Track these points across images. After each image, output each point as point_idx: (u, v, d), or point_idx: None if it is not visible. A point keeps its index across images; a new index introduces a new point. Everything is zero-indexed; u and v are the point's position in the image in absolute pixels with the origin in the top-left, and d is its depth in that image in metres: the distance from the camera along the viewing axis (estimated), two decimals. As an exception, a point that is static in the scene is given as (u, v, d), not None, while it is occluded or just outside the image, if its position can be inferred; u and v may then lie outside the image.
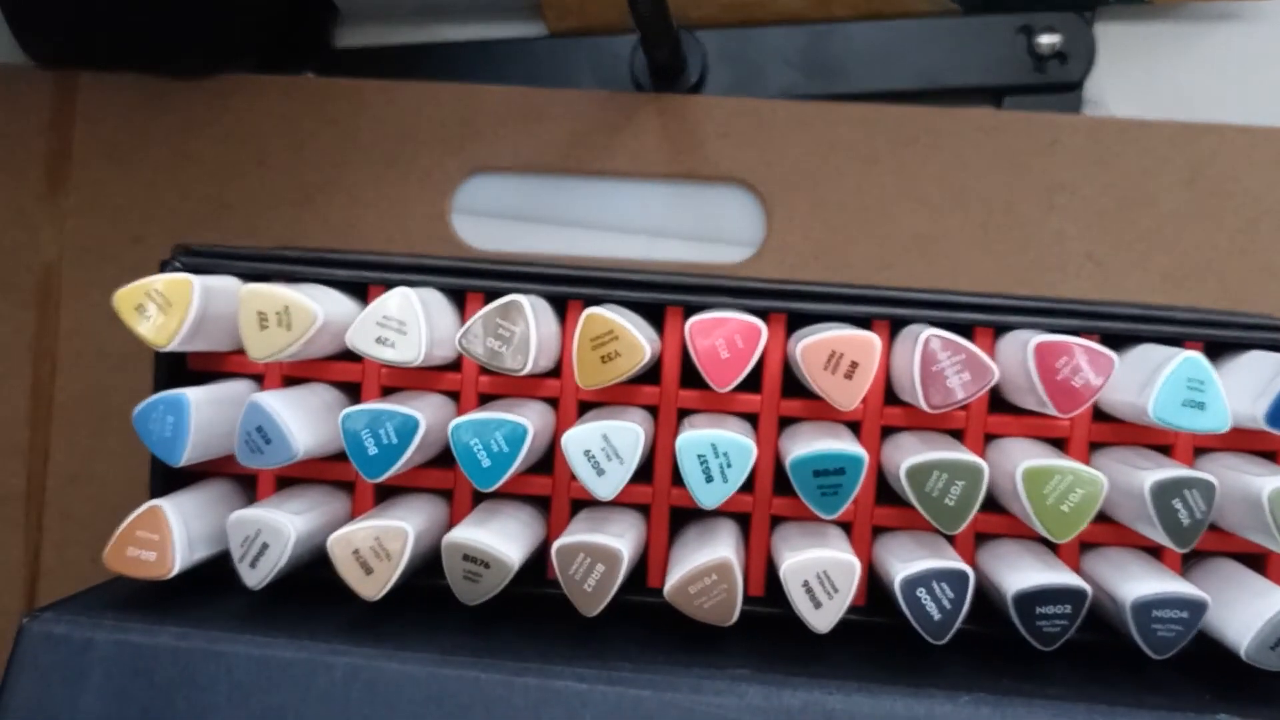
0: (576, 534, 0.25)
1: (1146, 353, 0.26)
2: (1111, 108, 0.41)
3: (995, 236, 0.38)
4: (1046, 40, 0.39)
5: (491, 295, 0.26)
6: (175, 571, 0.25)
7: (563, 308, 0.28)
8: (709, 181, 0.40)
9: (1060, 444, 0.27)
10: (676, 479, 0.27)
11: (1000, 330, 0.27)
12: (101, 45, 0.40)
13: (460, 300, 0.28)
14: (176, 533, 0.26)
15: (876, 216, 0.39)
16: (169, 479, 0.28)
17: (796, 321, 0.28)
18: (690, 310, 0.27)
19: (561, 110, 0.40)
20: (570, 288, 0.27)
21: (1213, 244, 0.38)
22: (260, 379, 0.28)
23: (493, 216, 0.40)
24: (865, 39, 0.40)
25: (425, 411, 0.25)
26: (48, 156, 0.40)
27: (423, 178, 0.40)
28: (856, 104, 0.39)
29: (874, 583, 0.28)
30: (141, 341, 0.26)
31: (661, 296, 0.27)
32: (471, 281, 0.27)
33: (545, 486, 0.28)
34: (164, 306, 0.25)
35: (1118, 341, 0.27)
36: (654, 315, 0.28)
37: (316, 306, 0.25)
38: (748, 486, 0.27)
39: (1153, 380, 0.24)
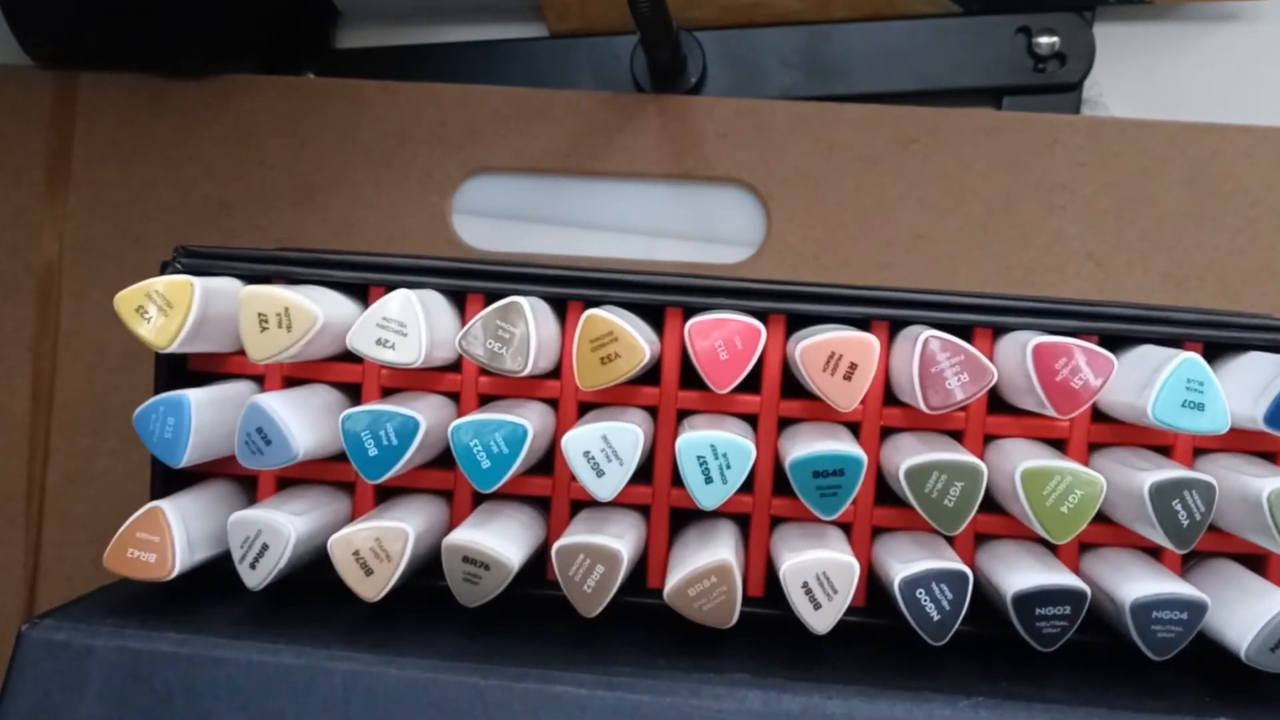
0: (576, 535, 0.25)
1: (1145, 354, 0.26)
2: (1111, 108, 0.41)
3: (995, 236, 0.38)
4: (1046, 41, 0.39)
5: (491, 296, 0.26)
6: (175, 573, 0.25)
7: (562, 309, 0.28)
8: (709, 182, 0.40)
9: (1059, 445, 0.27)
10: (676, 480, 0.27)
11: (999, 331, 0.27)
12: (101, 45, 0.40)
13: (460, 301, 0.28)
14: (176, 534, 0.26)
15: (876, 216, 0.39)
16: (169, 480, 0.28)
17: (796, 322, 0.28)
18: (690, 311, 0.27)
19: (561, 111, 0.40)
20: (570, 289, 0.27)
21: (1213, 244, 0.38)
22: (261, 380, 0.28)
23: (493, 216, 0.40)
24: (865, 40, 0.40)
25: (425, 413, 0.25)
26: (48, 156, 0.40)
27: (423, 178, 0.40)
28: (856, 104, 0.39)
29: (873, 584, 0.28)
30: (142, 342, 0.26)
31: (661, 298, 0.27)
32: (471, 283, 0.27)
33: (545, 487, 0.28)
34: (165, 308, 0.25)
35: (1117, 342, 0.27)
36: (654, 316, 0.28)
37: (316, 308, 0.25)
38: (747, 487, 0.27)
39: (1152, 381, 0.24)
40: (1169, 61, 0.41)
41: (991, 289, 0.38)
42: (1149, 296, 0.38)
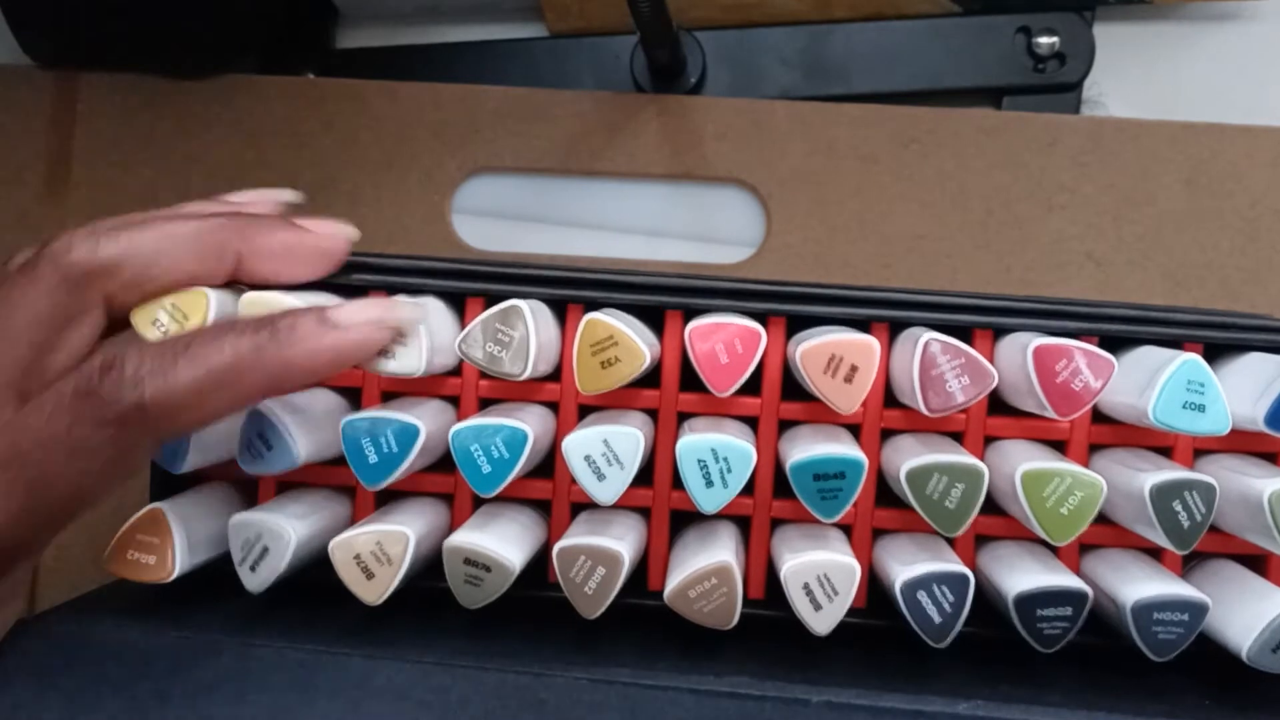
0: (577, 537, 0.25)
1: (1146, 355, 0.26)
2: (1111, 108, 0.41)
3: (995, 236, 0.38)
4: (1046, 41, 0.39)
5: (491, 298, 0.26)
6: (175, 575, 0.25)
7: (562, 311, 0.28)
8: (708, 182, 0.40)
9: (1060, 446, 0.27)
10: (677, 482, 0.27)
11: (999, 332, 0.27)
12: (101, 45, 0.40)
13: (460, 304, 0.28)
14: (177, 536, 0.26)
15: (876, 216, 0.38)
16: (170, 481, 0.28)
17: (796, 324, 0.28)
18: (690, 313, 0.27)
19: (561, 110, 0.40)
20: (570, 290, 0.27)
21: (1213, 244, 0.38)
22: (261, 382, 0.28)
23: (493, 216, 0.40)
24: (865, 40, 0.40)
25: (425, 418, 0.25)
26: (48, 156, 0.40)
27: (423, 178, 0.40)
28: (856, 104, 0.39)
29: (874, 585, 0.28)
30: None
31: (661, 300, 0.27)
32: (471, 284, 0.27)
33: (546, 490, 0.28)
34: (178, 318, 0.25)
35: (1117, 343, 0.27)
36: (654, 318, 0.28)
37: (317, 311, 0.25)
38: (748, 489, 0.27)
39: (1153, 382, 0.24)
40: (1169, 61, 0.41)
41: (991, 289, 0.38)
42: (1149, 296, 0.38)
